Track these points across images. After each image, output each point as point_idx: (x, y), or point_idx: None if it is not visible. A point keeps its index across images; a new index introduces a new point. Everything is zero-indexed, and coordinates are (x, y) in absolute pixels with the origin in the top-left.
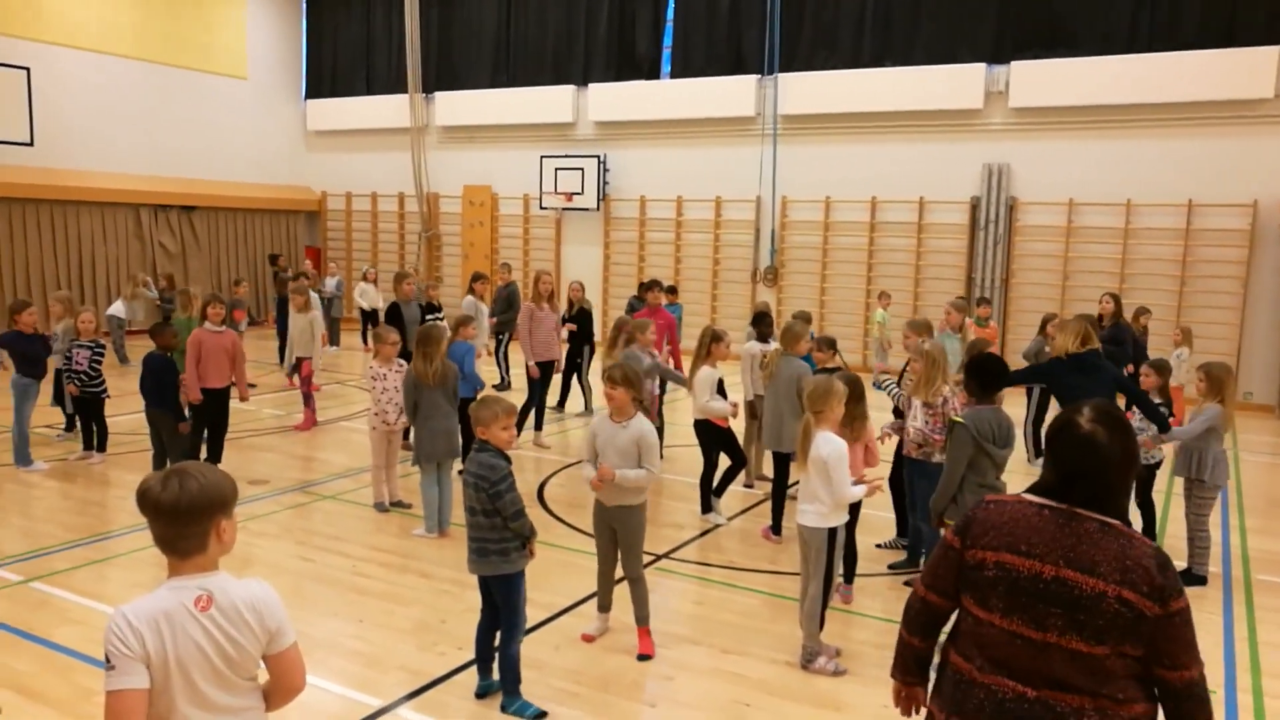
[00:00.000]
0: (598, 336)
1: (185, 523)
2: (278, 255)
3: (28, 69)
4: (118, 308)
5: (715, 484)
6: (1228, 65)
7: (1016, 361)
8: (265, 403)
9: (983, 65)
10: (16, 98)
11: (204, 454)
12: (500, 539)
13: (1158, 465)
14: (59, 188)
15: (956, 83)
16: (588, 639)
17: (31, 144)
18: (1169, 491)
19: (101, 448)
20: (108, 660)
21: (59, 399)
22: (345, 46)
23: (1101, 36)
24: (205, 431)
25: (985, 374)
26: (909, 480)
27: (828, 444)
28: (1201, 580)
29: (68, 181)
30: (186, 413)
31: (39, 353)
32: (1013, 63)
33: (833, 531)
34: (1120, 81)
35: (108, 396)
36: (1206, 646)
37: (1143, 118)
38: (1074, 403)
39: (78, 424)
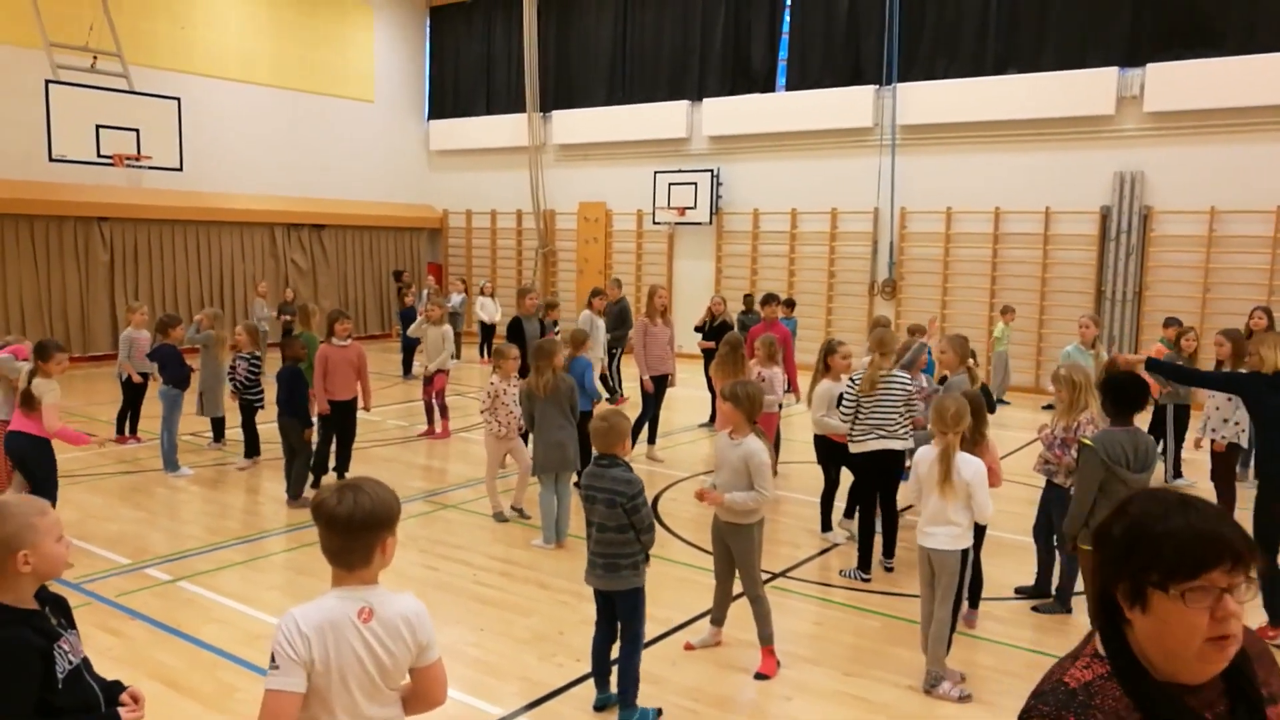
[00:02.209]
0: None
1: (356, 536)
2: (402, 271)
3: (178, 99)
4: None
5: (824, 520)
6: None
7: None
8: (389, 414)
9: (1115, 69)
10: (168, 126)
11: (332, 463)
12: (632, 553)
13: None
14: (203, 209)
15: (1086, 88)
16: (689, 648)
17: (180, 169)
18: None
19: (254, 452)
20: (273, 659)
21: (211, 409)
22: (466, 67)
23: (1246, 34)
24: (334, 441)
25: (1121, 394)
26: (1042, 501)
27: (969, 465)
28: None
29: (211, 204)
30: (314, 423)
31: (184, 365)
32: (1148, 65)
33: (965, 553)
34: (1265, 81)
35: (261, 406)
36: None
37: None
38: (1272, 423)
39: (225, 433)
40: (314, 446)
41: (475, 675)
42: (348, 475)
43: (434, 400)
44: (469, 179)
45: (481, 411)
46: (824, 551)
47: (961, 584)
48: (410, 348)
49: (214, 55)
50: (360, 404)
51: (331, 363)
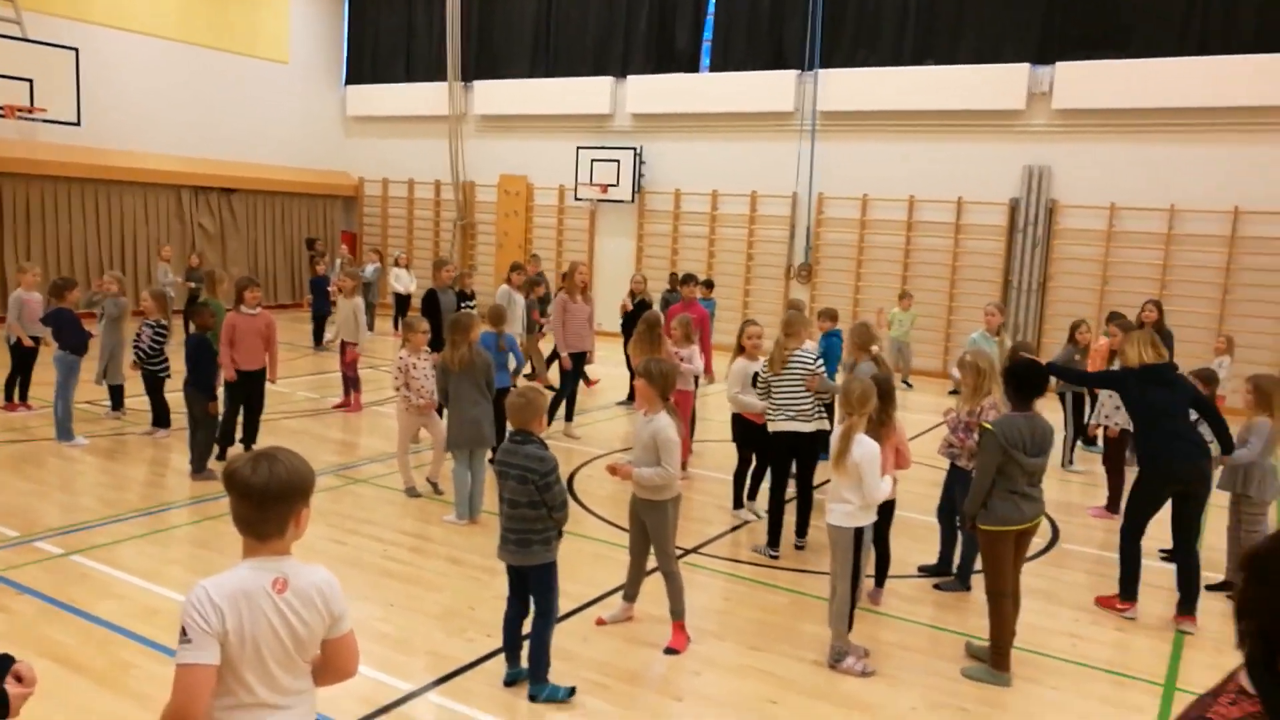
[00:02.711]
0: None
1: (270, 506)
2: (315, 239)
3: (76, 50)
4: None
5: (736, 497)
6: None
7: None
8: (299, 385)
9: (1027, 65)
10: (65, 78)
11: (239, 434)
12: (544, 529)
13: None
14: (104, 167)
15: (999, 83)
16: (600, 623)
17: (79, 124)
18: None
19: (164, 423)
20: (184, 633)
21: (114, 376)
22: (386, 33)
23: (1152, 38)
24: (241, 412)
25: (1023, 381)
26: (945, 482)
27: (860, 446)
28: None
29: (112, 162)
30: (220, 393)
31: (82, 330)
32: (1058, 63)
33: (859, 531)
34: (1169, 85)
35: (167, 375)
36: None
37: (1189, 121)
38: (1149, 416)
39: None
40: (220, 418)
41: (384, 651)
42: (255, 447)
43: (346, 372)
44: (386, 147)
45: (395, 387)
46: (735, 528)
47: (859, 561)
48: (321, 318)
49: (117, 5)
50: (267, 375)
51: (239, 331)
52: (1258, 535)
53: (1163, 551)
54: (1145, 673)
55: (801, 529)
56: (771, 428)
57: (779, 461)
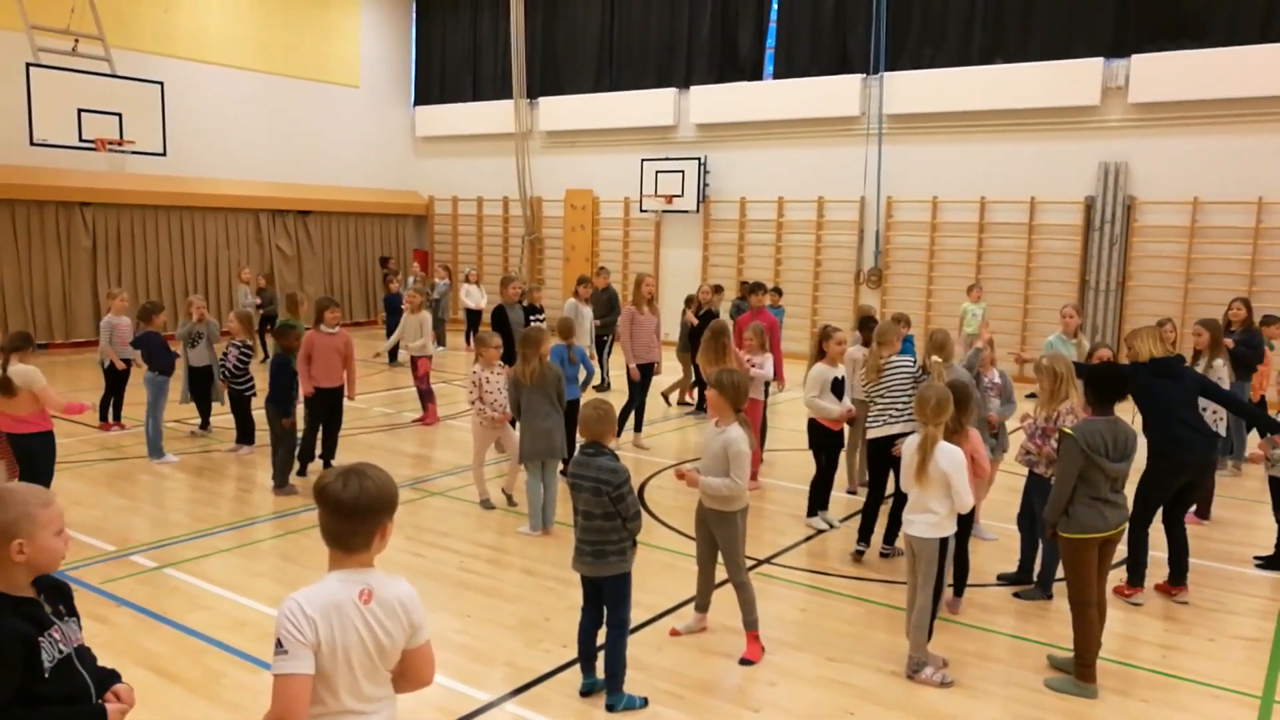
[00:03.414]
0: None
1: (360, 520)
2: (388, 258)
3: (161, 83)
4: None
5: (810, 506)
6: None
7: None
8: (375, 401)
9: (1100, 60)
10: (151, 110)
11: (319, 450)
12: (619, 540)
13: None
14: (187, 194)
15: (1072, 78)
16: (674, 634)
17: (164, 154)
18: None
19: (249, 440)
20: (279, 644)
21: (196, 396)
22: (453, 54)
23: (1231, 25)
24: (322, 429)
25: (1102, 384)
26: (1025, 489)
27: (947, 455)
28: None
29: (194, 189)
30: (300, 410)
31: (169, 352)
32: (1133, 56)
33: (944, 541)
34: (1250, 73)
35: (253, 394)
36: None
37: (1274, 110)
38: (1157, 409)
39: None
40: (299, 434)
41: (462, 661)
42: (334, 463)
43: (420, 386)
44: (455, 165)
45: (470, 401)
46: (809, 538)
47: (942, 571)
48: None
49: (197, 39)
50: (345, 392)
51: (318, 350)
52: None
53: (1258, 559)
54: (1241, 684)
55: (890, 535)
56: (871, 434)
57: (878, 466)
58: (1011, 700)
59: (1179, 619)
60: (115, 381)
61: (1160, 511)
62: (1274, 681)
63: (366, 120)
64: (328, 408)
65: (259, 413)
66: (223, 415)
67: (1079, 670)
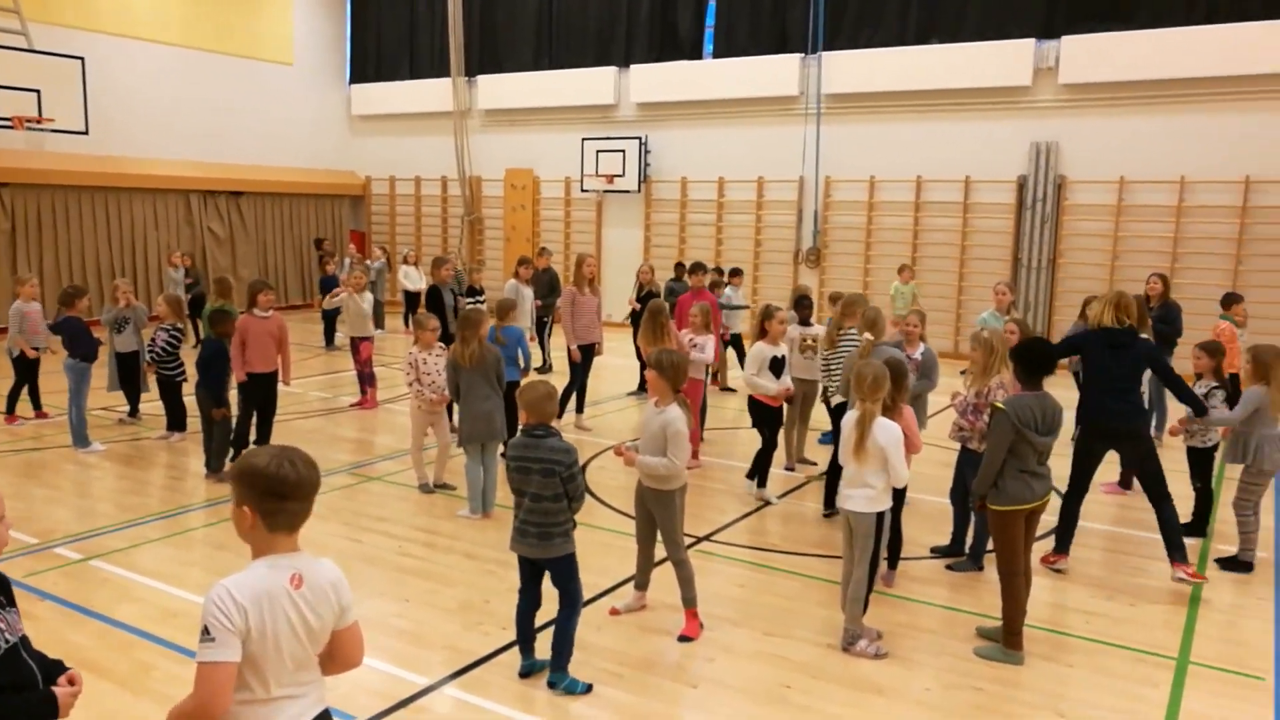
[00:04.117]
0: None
1: (309, 499)
2: (323, 239)
3: (82, 59)
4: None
5: (751, 469)
6: None
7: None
8: (312, 385)
9: (1032, 41)
10: (72, 87)
11: (253, 436)
12: (564, 521)
13: (1214, 449)
14: (111, 175)
15: (1004, 59)
16: (614, 612)
17: (86, 133)
18: (1221, 476)
19: (180, 427)
20: (206, 631)
21: (123, 383)
22: (389, 31)
23: (1157, 9)
24: (256, 415)
25: (1031, 359)
26: (957, 465)
27: (885, 430)
28: (1247, 567)
29: (120, 169)
30: (234, 396)
31: (92, 339)
32: (1063, 38)
33: (880, 516)
34: (1176, 55)
35: (183, 379)
36: (1256, 636)
37: (1198, 92)
38: (1096, 377)
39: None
40: (233, 420)
41: (400, 646)
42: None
43: (361, 369)
44: (392, 145)
45: (408, 383)
46: (748, 515)
47: (878, 545)
48: (332, 318)
49: (122, 13)
50: (280, 377)
51: (252, 334)
52: (1247, 504)
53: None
54: (1159, 647)
55: (833, 499)
56: (835, 400)
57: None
58: (943, 670)
59: (1104, 586)
60: (27, 370)
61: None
62: (1189, 643)
63: (301, 98)
64: (262, 394)
65: (190, 398)
66: (152, 402)
67: (1007, 638)
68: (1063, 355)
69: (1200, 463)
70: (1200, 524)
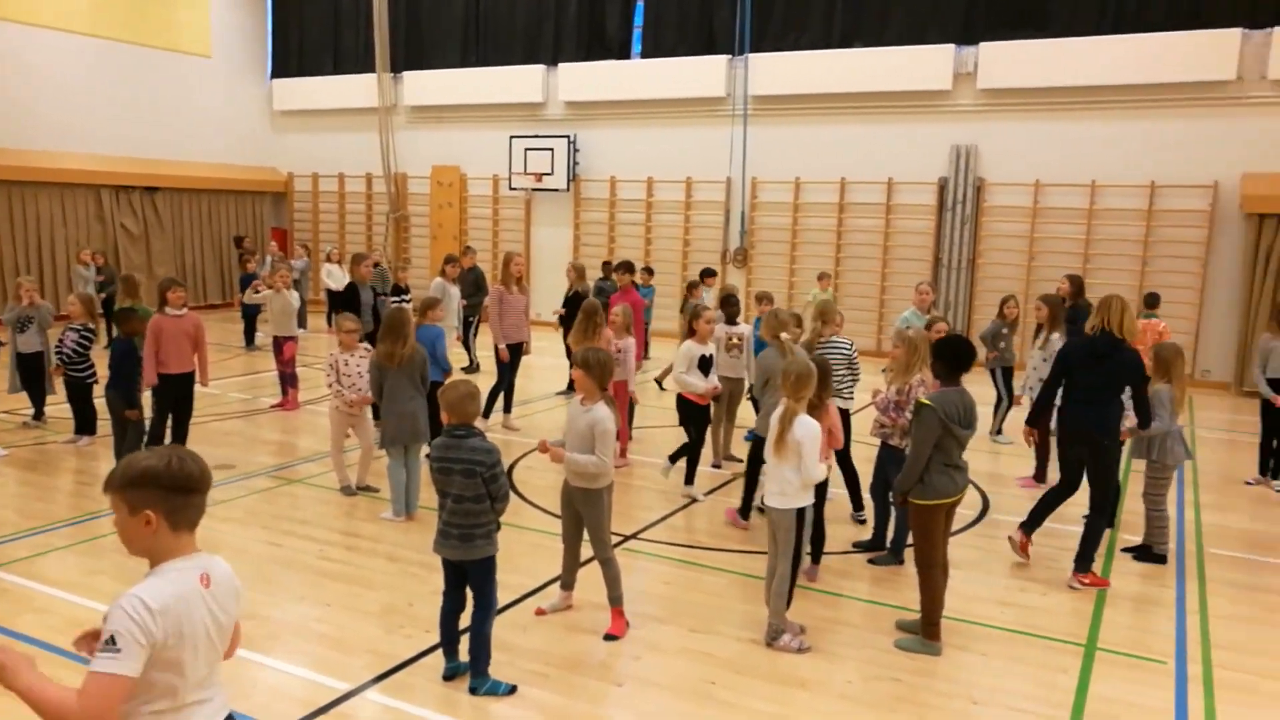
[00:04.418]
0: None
1: (206, 492)
2: (243, 237)
3: None
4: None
5: (675, 453)
6: (1192, 47)
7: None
8: (231, 386)
9: (951, 46)
10: None
11: (169, 440)
12: (487, 522)
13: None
14: (16, 168)
15: (925, 64)
16: (540, 613)
17: None
18: (1127, 469)
19: (89, 430)
20: (113, 641)
21: (27, 385)
22: (311, 24)
23: (1069, 18)
24: (171, 418)
25: (954, 356)
26: (878, 461)
27: (803, 426)
28: (1161, 559)
29: (25, 162)
30: (146, 399)
31: None
32: (981, 44)
33: (800, 512)
34: (1086, 63)
35: (94, 381)
36: (1159, 622)
37: (1108, 99)
38: (1078, 387)
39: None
40: (146, 424)
41: (321, 651)
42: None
43: (283, 370)
44: (316, 141)
45: (329, 385)
46: (674, 512)
47: (800, 540)
48: (253, 316)
49: (28, 1)
50: (197, 378)
51: (165, 334)
52: (1158, 499)
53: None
54: (1069, 634)
55: (856, 503)
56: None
57: None
58: (865, 662)
59: (1017, 577)
60: None
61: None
62: (1097, 631)
63: (219, 92)
64: (176, 395)
65: (101, 401)
66: (59, 405)
67: (925, 629)
68: (1058, 375)
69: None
70: (1109, 516)
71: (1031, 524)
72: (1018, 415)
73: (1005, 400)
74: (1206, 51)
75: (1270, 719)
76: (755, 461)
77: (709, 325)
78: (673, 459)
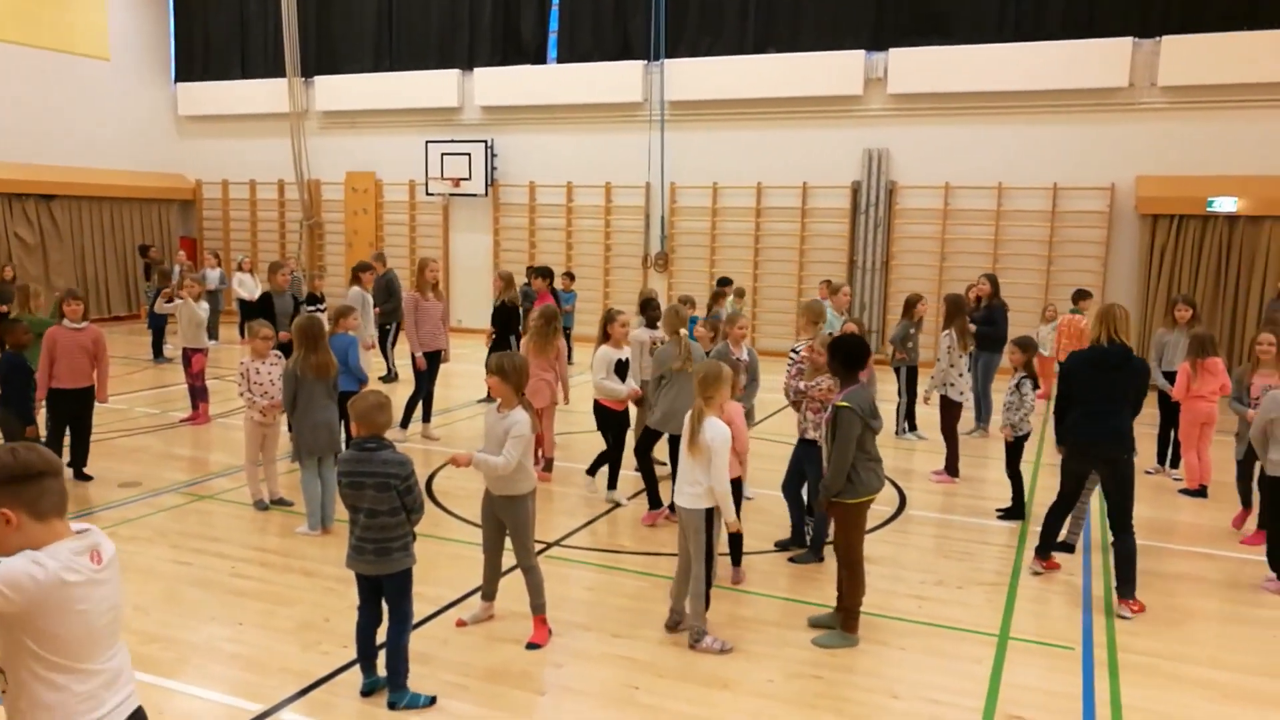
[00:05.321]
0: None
1: (61, 475)
2: (149, 246)
3: None
4: None
5: (592, 466)
6: (1087, 55)
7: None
8: (139, 400)
9: (862, 52)
10: None
11: (66, 458)
12: (403, 535)
13: (1026, 438)
14: None
15: (837, 69)
16: (461, 624)
17: None
18: (1037, 463)
19: None
20: (38, 563)
21: None
22: (217, 27)
23: (974, 25)
24: (69, 434)
25: (852, 354)
26: (794, 459)
27: (713, 429)
28: (1069, 548)
29: None
30: (41, 416)
31: None
32: (890, 50)
33: (710, 512)
34: (989, 69)
35: None
36: (1065, 606)
37: (1011, 104)
38: (1084, 399)
39: None
40: (42, 440)
41: (234, 673)
42: (86, 470)
43: (194, 382)
44: (225, 147)
45: (240, 394)
46: (598, 518)
47: (712, 540)
48: (160, 328)
49: None
50: (96, 394)
51: (61, 347)
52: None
53: (999, 511)
54: (983, 626)
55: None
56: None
57: None
58: (786, 660)
59: (933, 571)
60: None
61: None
62: (1009, 621)
63: (120, 97)
64: (72, 411)
65: None
66: None
67: (846, 622)
68: (1065, 389)
69: (1013, 452)
70: (1019, 509)
71: (1045, 547)
72: (926, 413)
73: (906, 398)
74: (1100, 59)
75: (1170, 698)
76: (644, 453)
77: (622, 329)
78: (591, 471)
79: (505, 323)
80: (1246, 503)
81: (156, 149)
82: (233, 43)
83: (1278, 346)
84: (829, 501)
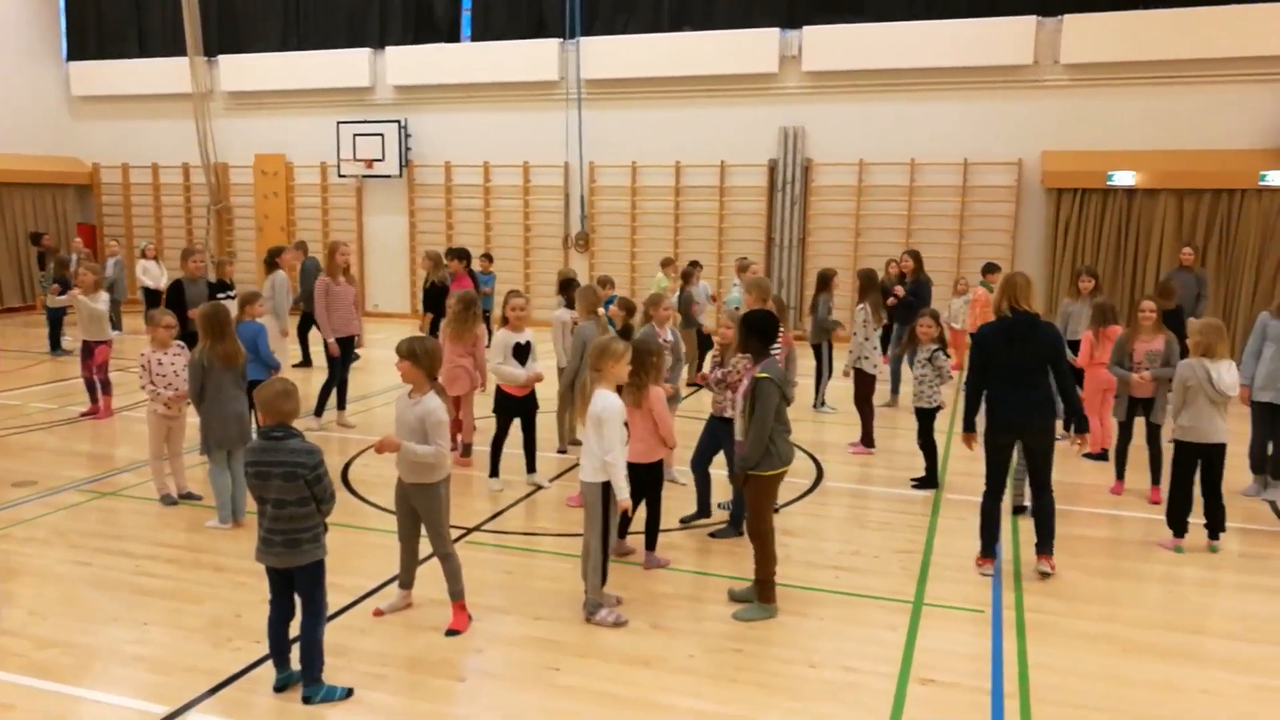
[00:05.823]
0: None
1: None
2: (41, 234)
3: None
4: None
5: (493, 474)
6: (994, 33)
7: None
8: (34, 395)
9: (776, 30)
10: None
11: None
12: (313, 526)
13: (938, 409)
14: None
15: (752, 47)
16: (378, 614)
17: None
18: (950, 433)
19: None
20: None
21: None
22: (111, 3)
23: (886, 3)
24: None
25: (764, 328)
26: (706, 433)
27: (601, 400)
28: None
29: None
30: None
31: None
32: (805, 28)
33: (607, 485)
34: (900, 47)
35: None
36: (976, 574)
37: (922, 81)
38: (1000, 372)
39: None
40: None
41: (139, 675)
42: None
43: (94, 376)
44: (124, 129)
45: (142, 386)
46: (518, 501)
47: (609, 513)
48: (57, 318)
49: None
50: None
51: None
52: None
53: (914, 480)
54: (898, 594)
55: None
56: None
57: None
58: (706, 635)
59: (850, 541)
60: None
61: None
62: (923, 588)
63: (5, 76)
64: None
65: None
66: None
67: (762, 593)
68: (978, 362)
69: (925, 421)
70: (932, 478)
71: (987, 543)
72: (838, 387)
73: (827, 373)
74: (1005, 37)
75: (1072, 653)
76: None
77: (518, 312)
78: (494, 474)
79: (438, 304)
80: (1122, 474)
81: (47, 131)
82: (128, 19)
83: (1158, 313)
84: (745, 474)
